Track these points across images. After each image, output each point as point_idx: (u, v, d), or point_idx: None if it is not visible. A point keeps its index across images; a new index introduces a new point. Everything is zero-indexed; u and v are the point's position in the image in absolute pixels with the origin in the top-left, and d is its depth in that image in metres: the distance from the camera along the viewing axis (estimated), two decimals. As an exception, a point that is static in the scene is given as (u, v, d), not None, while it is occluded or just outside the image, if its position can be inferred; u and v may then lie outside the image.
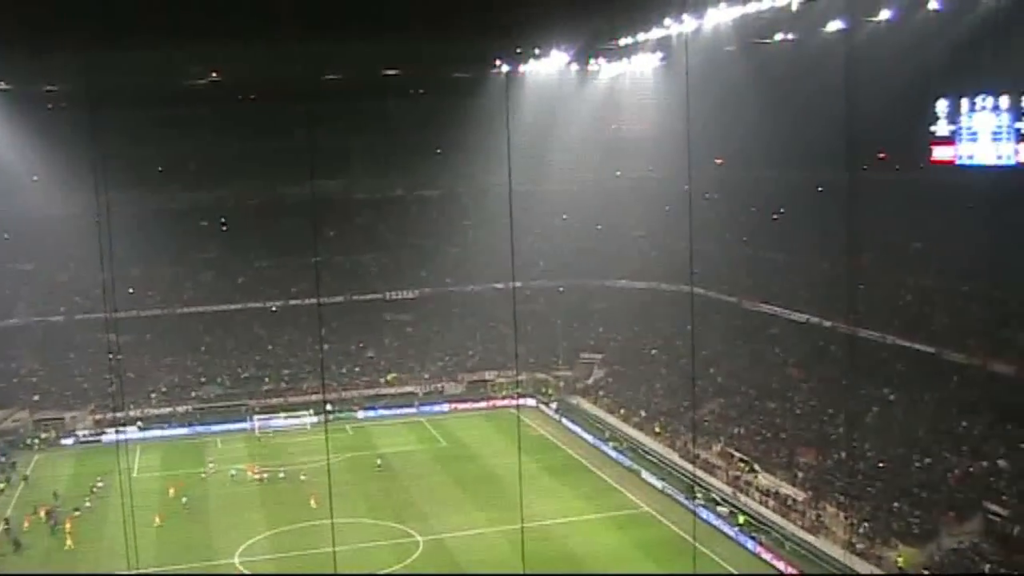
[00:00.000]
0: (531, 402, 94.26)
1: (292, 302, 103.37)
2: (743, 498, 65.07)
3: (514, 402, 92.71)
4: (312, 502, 66.95)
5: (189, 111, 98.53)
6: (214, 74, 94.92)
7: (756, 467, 67.88)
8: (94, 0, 64.81)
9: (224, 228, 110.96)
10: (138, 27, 72.47)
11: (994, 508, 53.68)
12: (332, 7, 71.57)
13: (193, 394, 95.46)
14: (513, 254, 67.96)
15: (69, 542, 63.74)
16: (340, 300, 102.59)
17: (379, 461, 79.41)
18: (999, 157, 62.43)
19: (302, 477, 75.26)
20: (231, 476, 76.35)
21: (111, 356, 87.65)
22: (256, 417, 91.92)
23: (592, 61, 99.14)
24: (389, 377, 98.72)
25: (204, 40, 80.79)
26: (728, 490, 66.54)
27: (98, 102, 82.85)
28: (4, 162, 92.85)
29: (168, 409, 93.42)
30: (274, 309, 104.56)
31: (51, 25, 69.77)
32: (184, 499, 70.99)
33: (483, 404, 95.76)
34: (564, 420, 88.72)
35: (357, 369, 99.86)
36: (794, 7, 67.50)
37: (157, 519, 66.22)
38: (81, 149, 79.28)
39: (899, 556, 52.77)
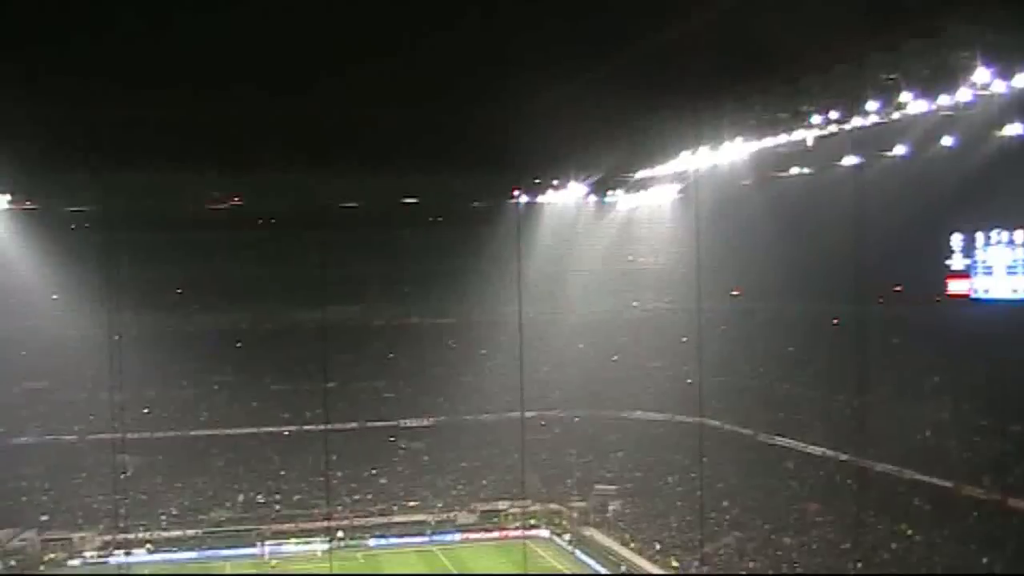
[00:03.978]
0: (544, 533, 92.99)
1: (306, 427, 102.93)
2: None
3: (527, 533, 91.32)
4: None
5: (208, 235, 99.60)
6: (236, 199, 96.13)
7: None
8: (119, 124, 66.07)
9: (238, 345, 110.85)
10: (161, 151, 73.80)
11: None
12: (357, 144, 72.91)
13: (203, 518, 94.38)
14: (523, 384, 68.06)
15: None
16: (354, 426, 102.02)
17: None
18: (1014, 291, 62.71)
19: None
20: None
21: (128, 474, 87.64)
22: (266, 543, 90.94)
23: (609, 192, 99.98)
24: (410, 504, 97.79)
25: (227, 166, 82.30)
26: (742, 625, 65.50)
27: (119, 224, 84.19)
28: (26, 280, 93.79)
29: (178, 532, 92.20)
30: (287, 434, 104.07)
31: (76, 146, 71.05)
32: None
33: (495, 534, 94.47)
34: (577, 552, 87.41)
35: (369, 496, 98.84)
36: (809, 142, 68.21)
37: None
38: (101, 269, 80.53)
39: None
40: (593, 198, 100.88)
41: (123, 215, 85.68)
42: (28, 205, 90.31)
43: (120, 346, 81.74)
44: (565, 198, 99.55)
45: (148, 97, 62.86)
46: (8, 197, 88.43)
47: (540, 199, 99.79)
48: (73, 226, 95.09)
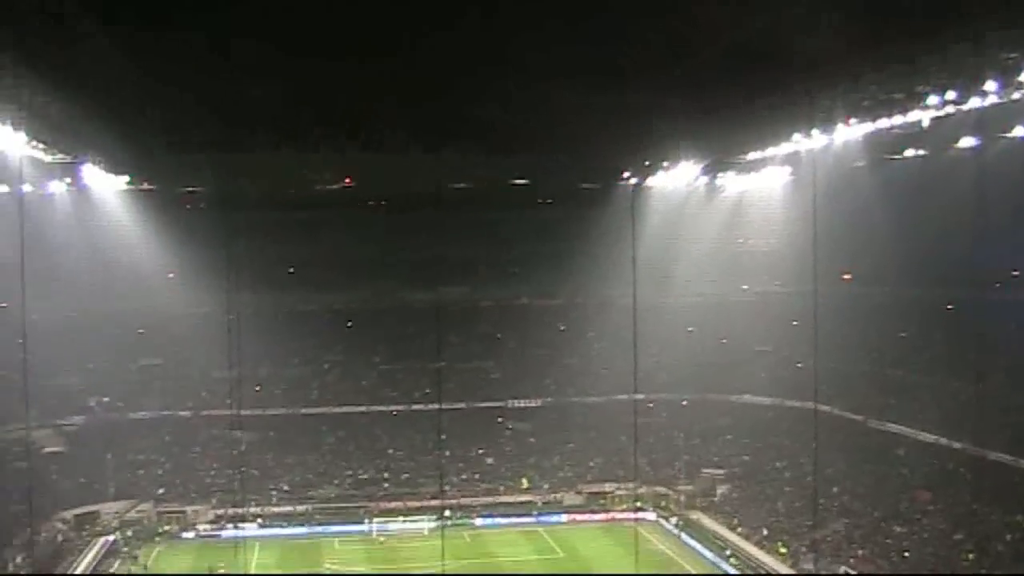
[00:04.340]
0: (651, 516, 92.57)
1: (414, 406, 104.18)
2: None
3: (633, 515, 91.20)
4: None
5: (320, 215, 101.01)
6: (347, 180, 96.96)
7: (880, 591, 65.81)
8: (234, 105, 67.07)
9: (349, 326, 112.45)
10: (274, 132, 74.85)
11: None
12: (465, 125, 73.16)
13: (313, 494, 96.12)
14: (636, 367, 67.60)
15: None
16: (461, 406, 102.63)
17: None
18: None
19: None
20: None
21: (241, 449, 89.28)
22: (374, 520, 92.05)
23: (720, 175, 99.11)
24: (525, 483, 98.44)
25: (338, 147, 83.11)
26: (850, 614, 64.47)
27: (234, 204, 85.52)
28: (143, 259, 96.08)
29: (288, 508, 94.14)
30: (395, 413, 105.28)
31: (192, 128, 72.33)
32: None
33: (601, 516, 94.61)
34: (683, 535, 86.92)
35: (476, 476, 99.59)
36: (925, 123, 66.88)
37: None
38: (216, 249, 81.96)
39: None
40: (703, 180, 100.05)
41: (237, 195, 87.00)
42: (145, 186, 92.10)
43: (234, 325, 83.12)
44: (675, 180, 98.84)
45: (261, 79, 63.77)
46: (126, 178, 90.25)
47: (650, 181, 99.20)
48: (188, 206, 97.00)
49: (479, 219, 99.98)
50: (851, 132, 72.80)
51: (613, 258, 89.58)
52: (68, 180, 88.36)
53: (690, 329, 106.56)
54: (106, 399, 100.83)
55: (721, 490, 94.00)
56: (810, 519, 76.33)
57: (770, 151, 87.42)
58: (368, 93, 69.99)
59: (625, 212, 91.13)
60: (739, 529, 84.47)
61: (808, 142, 78.35)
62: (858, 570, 69.43)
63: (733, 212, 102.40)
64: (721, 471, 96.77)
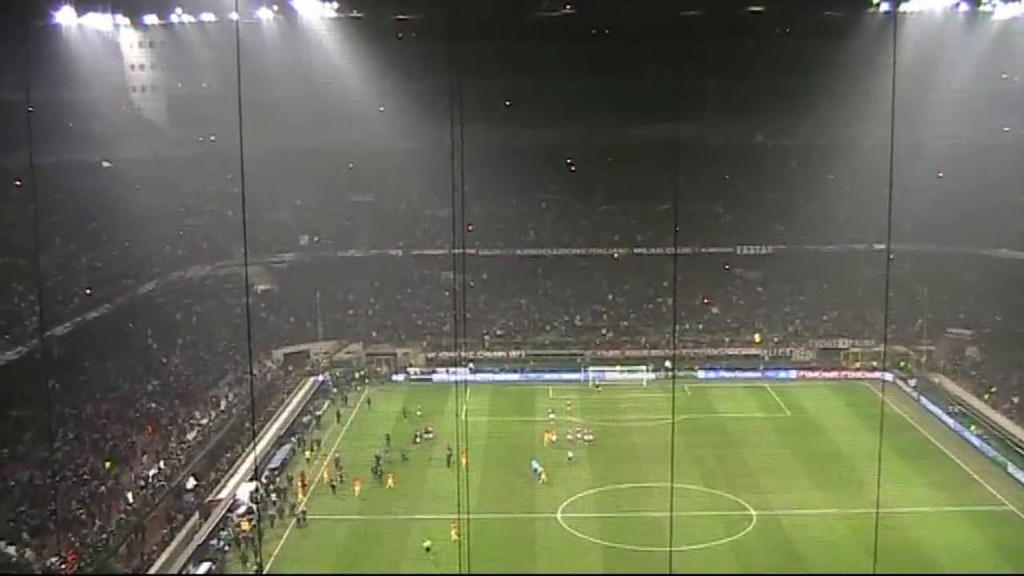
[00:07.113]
0: (887, 376, 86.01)
1: (636, 250, 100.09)
2: None
3: (868, 375, 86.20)
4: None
5: (538, 45, 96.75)
6: (568, 7, 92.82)
7: None
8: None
9: (572, 169, 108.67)
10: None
11: None
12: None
13: (524, 339, 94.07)
14: (891, 217, 61.97)
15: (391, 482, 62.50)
16: (687, 251, 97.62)
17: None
18: None
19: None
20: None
21: (454, 290, 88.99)
22: (591, 369, 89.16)
23: (985, 1, 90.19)
24: (756, 337, 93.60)
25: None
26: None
27: (447, 33, 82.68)
28: (352, 91, 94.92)
29: (501, 353, 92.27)
30: (616, 256, 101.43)
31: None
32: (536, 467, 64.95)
33: (833, 374, 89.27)
34: (923, 399, 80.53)
35: (700, 326, 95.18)
36: None
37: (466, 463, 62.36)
38: (429, 81, 78.37)
39: None
40: (964, 7, 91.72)
41: (451, 24, 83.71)
42: (354, 13, 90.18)
43: (446, 160, 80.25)
44: (932, 6, 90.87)
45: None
46: (335, 5, 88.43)
47: (903, 8, 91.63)
48: (400, 35, 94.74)
49: (710, 50, 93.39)
50: None
51: (857, 95, 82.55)
52: (275, 7, 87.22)
53: (940, 174, 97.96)
54: (316, 237, 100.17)
55: (968, 352, 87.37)
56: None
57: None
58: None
59: (871, 43, 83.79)
60: (986, 396, 77.63)
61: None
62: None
63: (997, 43, 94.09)
64: (968, 331, 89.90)
